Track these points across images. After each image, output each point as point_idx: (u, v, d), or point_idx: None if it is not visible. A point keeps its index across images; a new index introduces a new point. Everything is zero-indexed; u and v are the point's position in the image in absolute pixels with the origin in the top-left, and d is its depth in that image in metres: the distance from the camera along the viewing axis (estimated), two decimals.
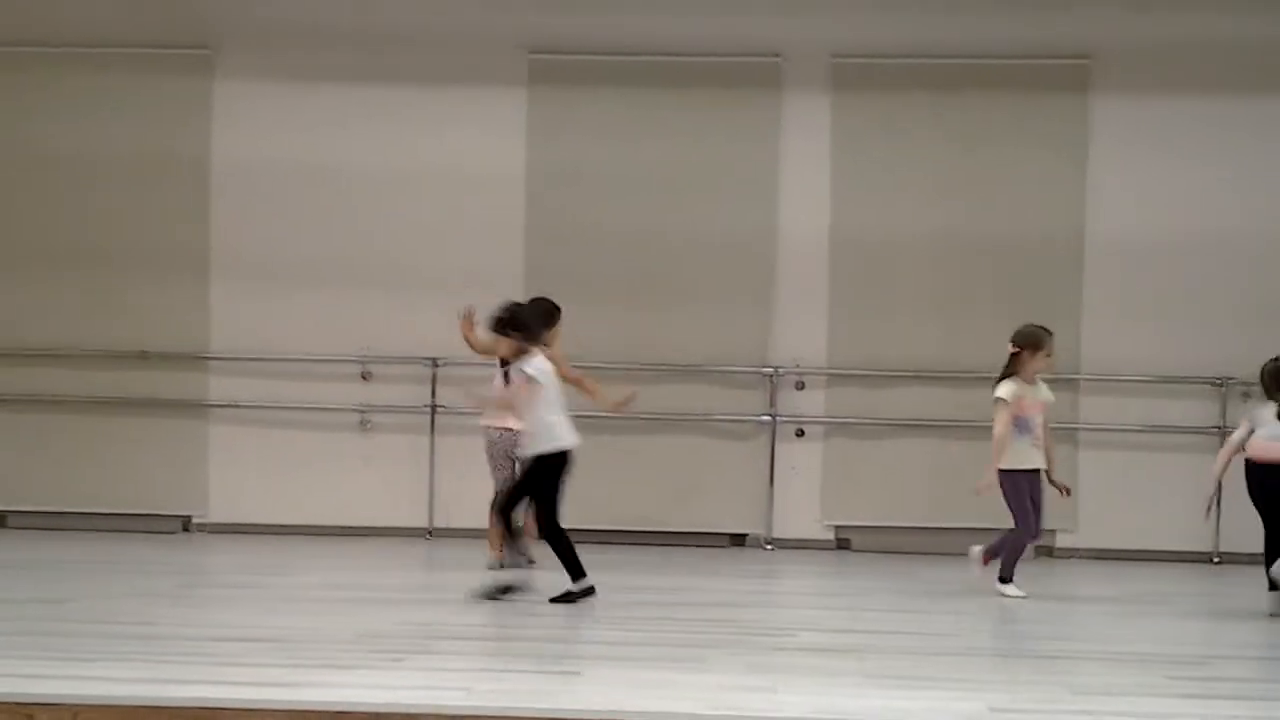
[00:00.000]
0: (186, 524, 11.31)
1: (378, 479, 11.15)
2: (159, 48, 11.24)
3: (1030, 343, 8.99)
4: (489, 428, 9.33)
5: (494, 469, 9.36)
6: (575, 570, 8.16)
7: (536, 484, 8.20)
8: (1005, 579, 8.90)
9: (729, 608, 8.44)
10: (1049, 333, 9.09)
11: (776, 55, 11.11)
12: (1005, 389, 8.95)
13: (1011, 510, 8.90)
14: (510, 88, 11.16)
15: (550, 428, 8.16)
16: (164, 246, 11.19)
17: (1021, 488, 8.90)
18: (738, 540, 11.17)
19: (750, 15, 11.06)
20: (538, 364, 8.21)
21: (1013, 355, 9.01)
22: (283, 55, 11.24)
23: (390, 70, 11.17)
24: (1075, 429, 10.89)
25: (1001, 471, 8.84)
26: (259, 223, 11.23)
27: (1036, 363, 9.01)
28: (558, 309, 9.25)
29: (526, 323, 8.37)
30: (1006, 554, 8.94)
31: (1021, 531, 8.93)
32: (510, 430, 9.03)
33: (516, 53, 11.17)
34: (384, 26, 11.16)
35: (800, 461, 11.05)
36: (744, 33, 11.09)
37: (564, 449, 8.16)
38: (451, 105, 11.19)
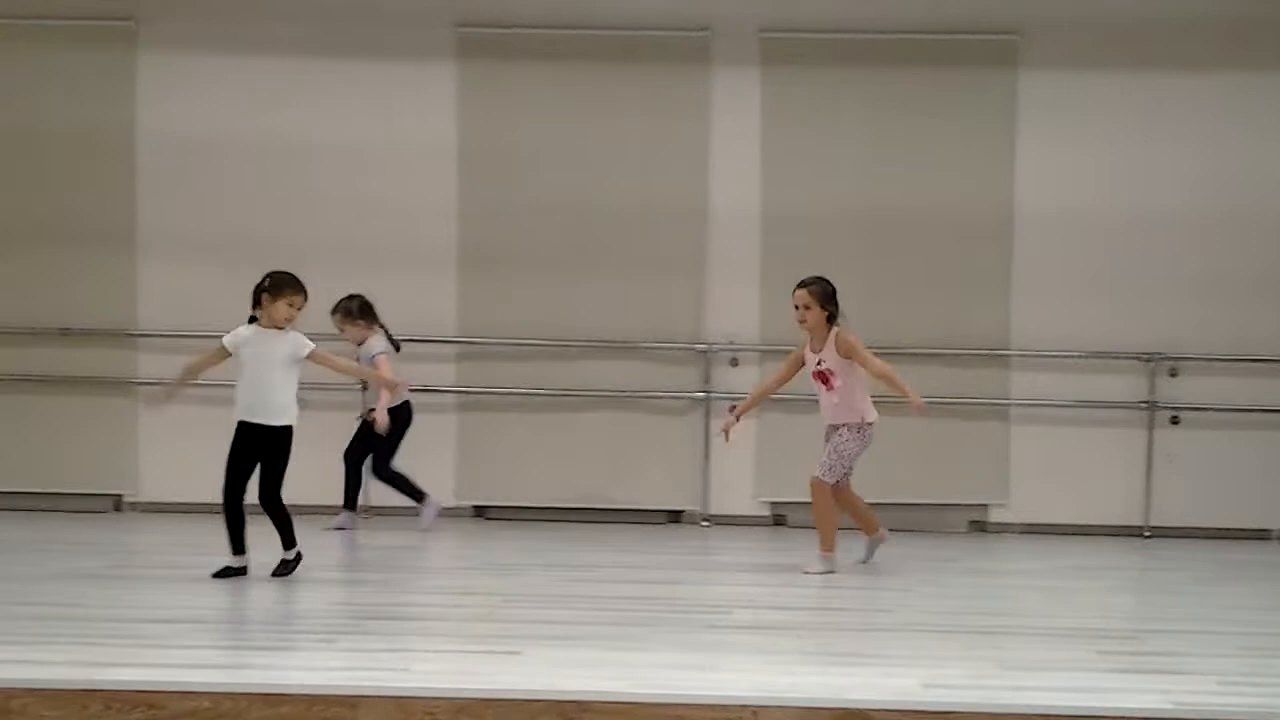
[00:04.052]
0: (118, 503, 11.20)
1: (308, 456, 11.00)
2: (81, 19, 11.09)
3: None
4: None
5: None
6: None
7: None
8: None
9: (665, 585, 8.43)
10: None
11: (705, 29, 11.09)
12: None
13: None
14: (441, 62, 11.10)
15: None
16: (89, 222, 11.07)
17: None
18: (674, 517, 11.18)
19: None
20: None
21: None
22: (206, 27, 11.11)
23: (318, 43, 11.07)
24: (1006, 404, 10.98)
25: None
26: (187, 198, 11.12)
27: None
28: None
29: None
30: None
31: None
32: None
33: (446, 26, 11.10)
34: None
35: (735, 438, 11.04)
36: (673, 7, 11.06)
37: None
38: (382, 79, 11.10)
